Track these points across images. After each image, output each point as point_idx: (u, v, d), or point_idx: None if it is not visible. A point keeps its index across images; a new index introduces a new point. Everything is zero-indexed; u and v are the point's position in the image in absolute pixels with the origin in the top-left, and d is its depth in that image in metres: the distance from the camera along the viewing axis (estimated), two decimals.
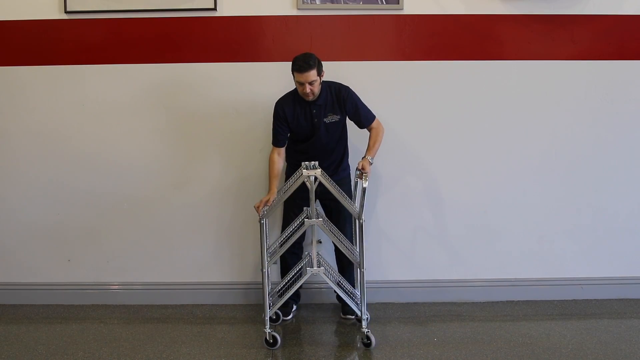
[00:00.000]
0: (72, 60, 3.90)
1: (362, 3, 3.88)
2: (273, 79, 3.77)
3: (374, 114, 3.71)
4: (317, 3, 3.88)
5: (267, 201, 3.55)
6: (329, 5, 3.88)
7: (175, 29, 3.88)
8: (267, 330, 3.49)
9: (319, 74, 3.53)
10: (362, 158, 3.60)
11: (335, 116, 3.66)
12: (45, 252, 4.05)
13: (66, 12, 3.85)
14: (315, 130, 3.66)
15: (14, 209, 4.02)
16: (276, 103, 3.68)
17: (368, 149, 3.65)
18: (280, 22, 3.89)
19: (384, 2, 3.87)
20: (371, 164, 3.57)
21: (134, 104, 3.95)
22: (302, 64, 3.47)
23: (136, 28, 3.88)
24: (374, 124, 3.70)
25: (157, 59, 3.91)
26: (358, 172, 3.60)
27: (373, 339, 3.49)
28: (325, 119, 3.65)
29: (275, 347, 3.48)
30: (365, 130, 3.73)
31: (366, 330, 3.49)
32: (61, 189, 4.00)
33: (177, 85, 3.94)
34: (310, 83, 3.50)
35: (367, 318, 3.51)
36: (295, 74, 3.51)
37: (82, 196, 4.00)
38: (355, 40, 3.91)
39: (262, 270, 3.50)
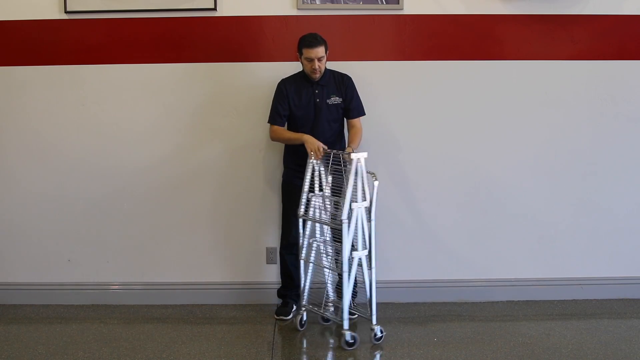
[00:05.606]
0: (72, 60, 3.90)
1: (362, 3, 3.87)
2: (273, 79, 3.76)
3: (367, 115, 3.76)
4: (317, 3, 3.88)
5: (319, 146, 3.53)
6: (329, 5, 3.88)
7: (175, 29, 3.88)
8: (348, 332, 3.44)
9: (326, 51, 3.62)
10: (347, 146, 3.68)
11: (337, 98, 3.71)
12: (45, 252, 4.04)
13: (66, 12, 3.84)
14: (318, 111, 3.69)
15: (13, 209, 4.02)
16: (279, 82, 3.73)
17: (351, 142, 3.68)
18: (280, 22, 3.88)
19: (384, 2, 3.87)
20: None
21: (133, 104, 3.95)
22: (312, 39, 3.57)
23: (136, 28, 3.88)
24: (357, 123, 3.74)
25: (157, 59, 3.91)
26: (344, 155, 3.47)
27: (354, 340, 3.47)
28: (327, 100, 3.69)
29: (353, 348, 3.43)
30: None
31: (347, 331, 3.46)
32: (61, 189, 3.99)
33: (177, 85, 3.93)
34: (319, 59, 3.58)
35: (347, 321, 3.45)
36: (304, 50, 3.58)
37: (82, 196, 4.00)
38: (355, 40, 3.92)
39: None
